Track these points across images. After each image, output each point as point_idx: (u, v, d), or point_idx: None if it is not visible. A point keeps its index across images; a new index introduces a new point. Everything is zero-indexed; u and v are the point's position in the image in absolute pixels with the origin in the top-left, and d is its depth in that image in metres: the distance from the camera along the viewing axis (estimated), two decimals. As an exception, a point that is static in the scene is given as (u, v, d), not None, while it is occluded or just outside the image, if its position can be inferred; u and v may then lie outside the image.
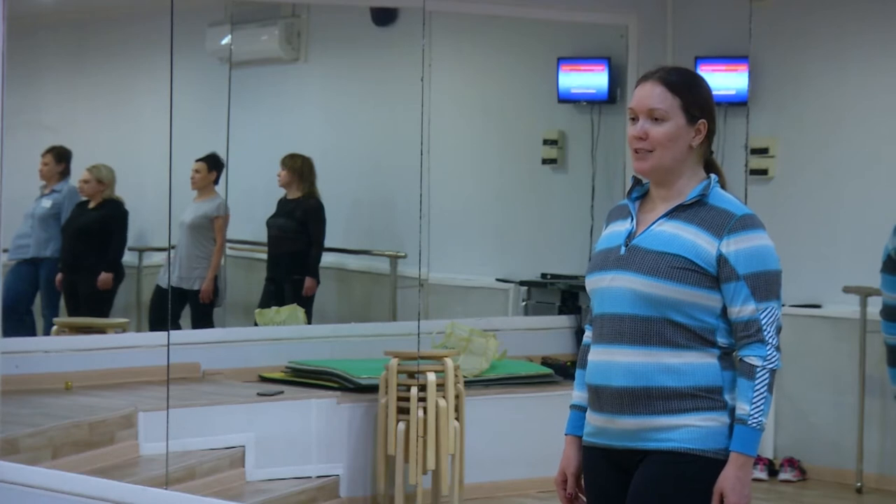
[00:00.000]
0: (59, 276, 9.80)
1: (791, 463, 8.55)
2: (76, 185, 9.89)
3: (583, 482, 4.43)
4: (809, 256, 8.37)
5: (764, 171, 8.68)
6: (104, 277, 9.91)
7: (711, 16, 8.92)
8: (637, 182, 4.34)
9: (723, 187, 4.31)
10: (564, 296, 9.63)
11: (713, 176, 4.31)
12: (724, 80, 8.50)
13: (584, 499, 4.39)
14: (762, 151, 8.62)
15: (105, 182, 9.88)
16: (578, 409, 4.46)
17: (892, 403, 4.94)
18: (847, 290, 8.13)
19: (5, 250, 8.27)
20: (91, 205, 9.91)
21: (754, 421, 4.12)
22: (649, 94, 4.28)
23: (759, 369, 4.15)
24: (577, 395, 4.47)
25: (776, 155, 8.73)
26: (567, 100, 9.70)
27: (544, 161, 9.86)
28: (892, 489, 7.97)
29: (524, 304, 9.84)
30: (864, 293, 8.02)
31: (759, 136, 8.39)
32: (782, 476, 8.52)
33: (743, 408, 4.16)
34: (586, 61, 9.64)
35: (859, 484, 8.20)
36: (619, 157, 9.21)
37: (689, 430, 4.18)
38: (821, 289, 8.44)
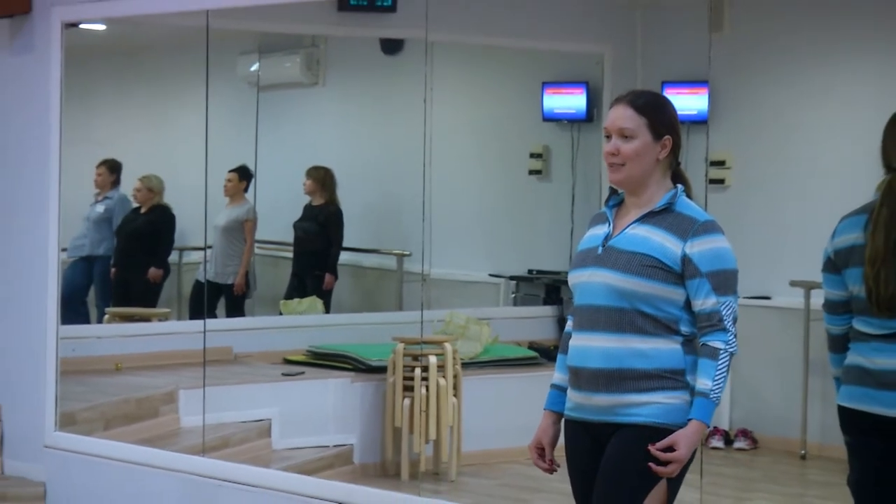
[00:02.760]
0: (112, 271, 9.80)
1: (744, 433, 8.55)
2: (126, 192, 9.89)
3: (565, 452, 4.42)
4: (760, 255, 8.34)
5: (721, 181, 8.67)
6: (154, 272, 9.92)
7: (675, 45, 8.91)
8: (613, 191, 4.37)
9: (689, 196, 4.33)
10: (548, 289, 9.63)
11: (679, 186, 4.33)
12: (687, 102, 8.47)
13: (559, 464, 4.40)
14: (720, 164, 8.61)
15: (155, 190, 9.91)
16: (557, 389, 4.49)
17: (831, 383, 4.93)
18: (793, 283, 8.14)
19: (64, 249, 8.23)
20: (142, 210, 9.93)
21: (714, 395, 4.15)
22: (620, 116, 4.31)
23: (721, 352, 4.17)
24: (558, 376, 4.48)
25: (732, 167, 8.72)
26: (550, 119, 9.70)
27: (531, 172, 9.86)
28: (832, 456, 7.95)
29: (513, 296, 9.83)
30: (808, 287, 8.03)
31: (717, 150, 8.36)
32: (737, 445, 8.52)
33: (705, 383, 4.17)
34: (567, 85, 9.64)
35: (803, 451, 8.22)
36: (596, 169, 9.19)
37: (655, 406, 4.18)
38: (770, 283, 8.43)
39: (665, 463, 4.09)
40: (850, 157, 8.09)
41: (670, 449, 4.10)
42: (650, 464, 4.13)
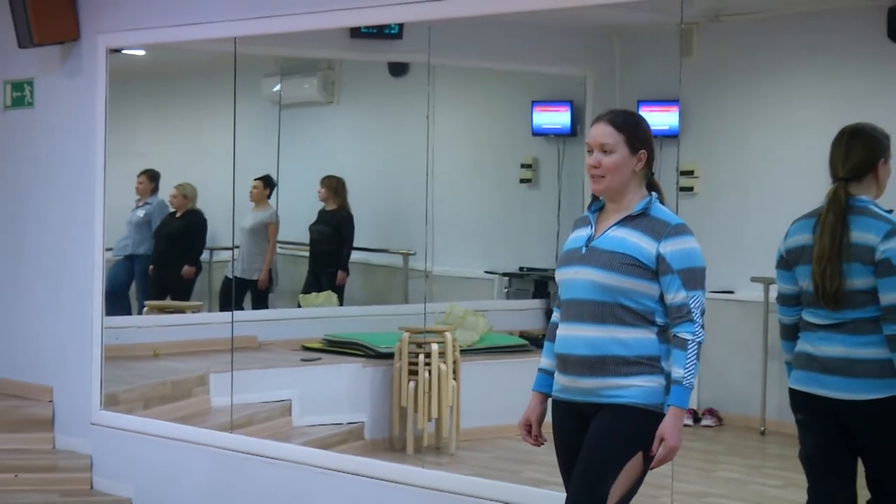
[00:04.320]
0: (151, 268, 9.80)
1: (711, 412, 8.54)
2: (165, 198, 9.89)
3: (550, 428, 4.46)
4: (725, 253, 8.34)
5: (691, 189, 8.67)
6: (188, 270, 9.90)
7: (650, 68, 8.92)
8: (595, 198, 4.38)
9: (662, 202, 4.34)
10: (537, 284, 9.61)
11: (654, 193, 4.34)
12: (660, 118, 8.46)
13: (545, 438, 4.44)
14: (689, 173, 8.60)
15: (189, 196, 9.88)
16: (544, 373, 4.50)
17: (785, 367, 4.95)
18: (753, 279, 8.12)
19: (109, 249, 8.25)
20: (178, 214, 9.90)
21: (687, 382, 4.15)
22: (601, 132, 4.32)
23: (690, 342, 4.18)
24: (545, 361, 4.49)
25: (700, 176, 8.72)
26: (539, 133, 9.68)
27: (521, 181, 9.84)
28: (788, 432, 7.91)
29: (506, 290, 9.81)
30: (767, 282, 8.00)
31: (687, 161, 8.37)
32: (704, 422, 8.51)
33: (678, 372, 4.18)
34: (554, 103, 9.62)
35: (763, 428, 8.21)
36: (580, 178, 9.17)
37: (634, 389, 4.20)
38: (733, 279, 8.43)
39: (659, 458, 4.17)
40: (801, 167, 8.08)
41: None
42: (651, 453, 4.16)
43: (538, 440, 4.46)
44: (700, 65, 8.58)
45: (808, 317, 4.69)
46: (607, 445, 4.20)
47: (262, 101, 10.17)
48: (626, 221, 4.27)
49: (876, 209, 4.62)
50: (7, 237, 8.31)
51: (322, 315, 9.46)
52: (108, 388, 7.60)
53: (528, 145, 9.80)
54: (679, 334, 4.19)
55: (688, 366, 4.16)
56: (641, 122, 4.37)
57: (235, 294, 9.36)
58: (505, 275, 9.79)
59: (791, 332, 4.80)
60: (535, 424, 4.46)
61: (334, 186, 9.99)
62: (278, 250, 10.03)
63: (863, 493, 4.72)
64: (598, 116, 4.35)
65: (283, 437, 7.45)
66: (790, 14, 8.11)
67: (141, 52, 8.23)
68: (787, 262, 4.76)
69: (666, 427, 4.15)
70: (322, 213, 10.05)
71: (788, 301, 4.78)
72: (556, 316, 4.42)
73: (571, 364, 4.28)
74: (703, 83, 8.61)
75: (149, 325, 9.05)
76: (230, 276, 9.65)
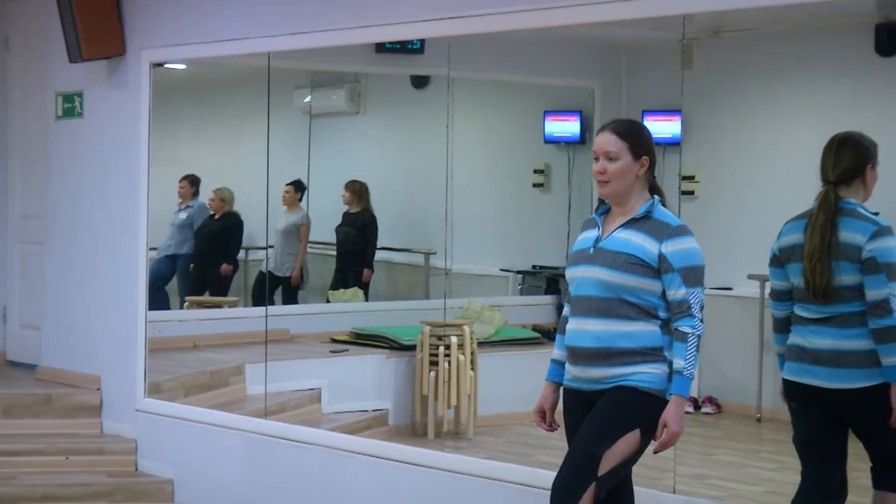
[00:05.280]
0: (191, 266, 9.82)
1: (710, 400, 8.51)
2: (205, 202, 9.91)
3: (562, 415, 4.48)
4: (723, 252, 8.33)
5: (692, 193, 8.64)
6: (226, 267, 9.90)
7: (653, 81, 8.90)
8: (602, 202, 4.41)
9: (664, 205, 4.35)
10: (549, 281, 9.59)
11: (656, 197, 4.35)
12: (664, 127, 8.44)
13: (558, 424, 4.45)
14: (690, 178, 8.58)
15: (227, 200, 9.88)
16: (556, 363, 4.51)
17: (777, 358, 4.96)
18: (750, 277, 8.10)
19: (153, 248, 8.27)
20: (217, 216, 9.90)
21: (688, 372, 4.16)
22: (605, 141, 4.34)
23: (689, 335, 4.19)
24: (557, 352, 4.51)
25: (700, 181, 8.70)
26: (551, 141, 9.66)
27: (534, 185, 9.83)
28: (782, 419, 7.89)
29: (520, 287, 9.79)
30: (763, 280, 7.94)
31: (688, 167, 8.36)
32: (704, 410, 8.48)
33: (679, 363, 4.19)
34: (564, 113, 9.61)
35: (759, 415, 8.18)
36: (588, 183, 9.12)
37: (640, 374, 4.23)
38: (731, 276, 8.40)
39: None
40: (794, 172, 8.06)
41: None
42: (655, 438, 4.18)
43: (552, 426, 4.48)
44: (700, 78, 8.56)
45: (800, 311, 4.71)
46: (608, 415, 4.23)
47: (294, 111, 10.17)
48: (631, 223, 4.29)
49: (863, 211, 4.64)
50: (59, 239, 8.34)
51: (349, 310, 9.44)
52: (151, 378, 7.62)
53: (540, 152, 9.79)
54: (680, 328, 4.20)
55: (688, 357, 4.18)
56: (643, 131, 4.40)
57: (269, 290, 9.37)
58: (519, 272, 9.78)
59: (783, 326, 4.81)
60: (548, 411, 4.49)
61: (357, 190, 9.99)
62: (308, 250, 10.02)
63: (853, 475, 4.75)
64: (602, 126, 4.39)
65: (313, 423, 7.45)
66: (784, 30, 8.09)
67: (182, 66, 8.25)
68: (780, 259, 4.77)
69: (668, 414, 4.17)
70: (346, 215, 10.05)
71: (780, 296, 4.80)
72: (566, 311, 4.44)
73: (580, 356, 4.30)
74: (702, 95, 8.60)
75: (189, 319, 9.04)
76: (264, 271, 9.65)
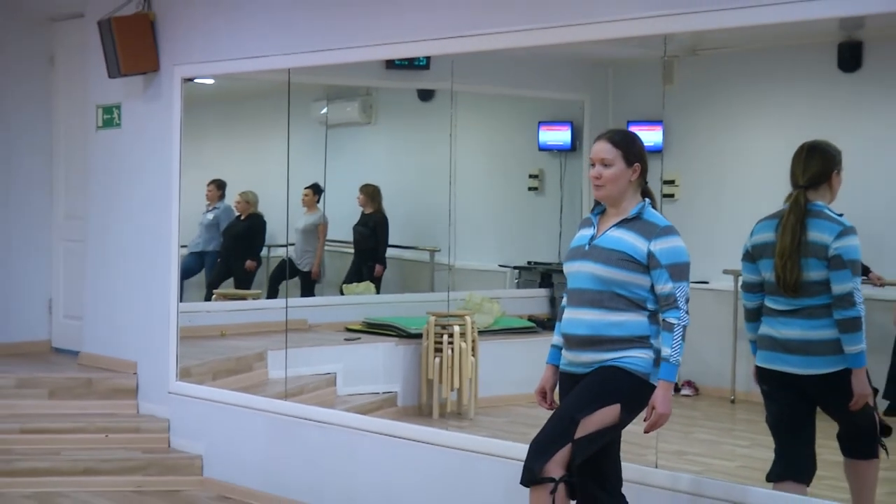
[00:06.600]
0: (218, 262, 9.78)
1: (689, 384, 8.50)
2: (231, 204, 9.89)
3: (556, 395, 4.47)
4: (700, 250, 8.20)
5: (672, 196, 8.64)
6: (250, 264, 9.86)
7: (638, 93, 8.87)
8: (597, 203, 4.41)
9: (654, 207, 4.36)
10: (542, 276, 9.56)
11: (647, 200, 4.35)
12: (647, 136, 8.29)
13: (557, 404, 4.43)
14: (671, 182, 8.57)
15: (251, 202, 9.85)
16: (555, 348, 4.52)
17: (750, 345, 4.96)
18: (725, 271, 8.09)
19: (184, 246, 8.26)
20: (242, 217, 9.84)
21: (674, 359, 4.17)
22: (601, 148, 4.34)
23: (676, 326, 4.19)
24: (556, 338, 4.51)
25: (680, 185, 8.69)
26: (544, 149, 9.63)
27: (529, 188, 9.81)
28: (754, 401, 7.89)
29: (516, 281, 9.77)
30: (737, 274, 7.90)
31: (669, 172, 8.35)
32: (683, 392, 8.46)
33: (666, 350, 4.19)
34: (557, 123, 9.59)
35: (733, 397, 8.17)
36: (578, 187, 9.17)
37: (628, 358, 4.24)
38: (708, 271, 8.37)
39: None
40: (765, 177, 8.06)
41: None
42: (645, 420, 4.18)
43: (552, 405, 4.48)
44: (680, 91, 8.55)
45: (770, 304, 4.71)
46: (593, 388, 4.22)
47: (312, 121, 10.15)
48: (623, 224, 4.30)
49: (830, 213, 4.65)
50: (99, 238, 8.34)
51: (362, 301, 9.42)
52: (182, 363, 7.61)
53: (535, 159, 9.77)
54: (667, 319, 4.21)
55: (674, 345, 4.18)
56: (636, 140, 4.41)
57: (289, 279, 9.34)
58: (515, 268, 9.76)
59: (754, 315, 4.82)
60: (549, 392, 4.50)
61: (371, 193, 9.97)
62: (326, 247, 10.01)
63: (821, 450, 4.75)
64: (599, 135, 4.39)
65: (328, 405, 7.43)
66: (756, 49, 8.07)
67: (210, 81, 8.24)
68: (752, 255, 4.78)
69: (656, 397, 4.17)
70: (362, 215, 10.03)
71: (752, 288, 4.81)
72: (564, 301, 4.45)
73: (574, 342, 4.31)
74: (682, 107, 8.58)
75: (216, 310, 9.01)
76: (285, 259, 9.64)
